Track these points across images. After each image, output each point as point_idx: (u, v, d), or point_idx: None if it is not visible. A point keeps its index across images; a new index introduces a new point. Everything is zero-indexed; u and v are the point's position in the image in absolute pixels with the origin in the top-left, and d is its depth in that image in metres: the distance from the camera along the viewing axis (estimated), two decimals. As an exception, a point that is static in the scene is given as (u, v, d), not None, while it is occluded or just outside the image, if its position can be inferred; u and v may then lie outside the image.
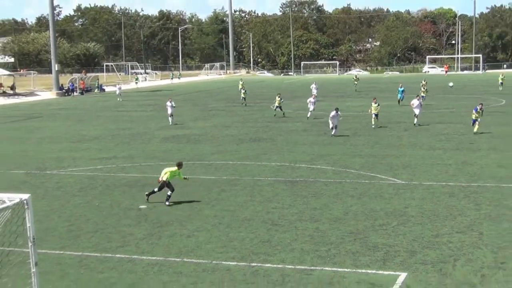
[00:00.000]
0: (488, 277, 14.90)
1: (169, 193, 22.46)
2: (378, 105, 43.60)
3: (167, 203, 22.47)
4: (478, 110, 38.36)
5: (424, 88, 63.98)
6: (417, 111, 43.42)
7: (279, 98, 53.96)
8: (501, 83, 79.46)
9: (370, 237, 18.28)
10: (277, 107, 53.97)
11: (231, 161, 31.80)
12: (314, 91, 66.14)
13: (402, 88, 61.03)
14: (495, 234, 18.25)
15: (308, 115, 50.64)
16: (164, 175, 22.42)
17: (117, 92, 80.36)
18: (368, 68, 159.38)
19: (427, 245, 17.40)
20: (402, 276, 15.07)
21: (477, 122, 37.98)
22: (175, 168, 22.72)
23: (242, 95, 66.21)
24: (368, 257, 16.50)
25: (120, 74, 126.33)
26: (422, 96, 57.48)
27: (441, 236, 18.11)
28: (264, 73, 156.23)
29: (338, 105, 44.78)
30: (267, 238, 18.46)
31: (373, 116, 43.39)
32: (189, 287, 14.79)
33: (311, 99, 52.61)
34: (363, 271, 15.54)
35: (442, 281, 14.74)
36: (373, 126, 42.70)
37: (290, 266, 15.95)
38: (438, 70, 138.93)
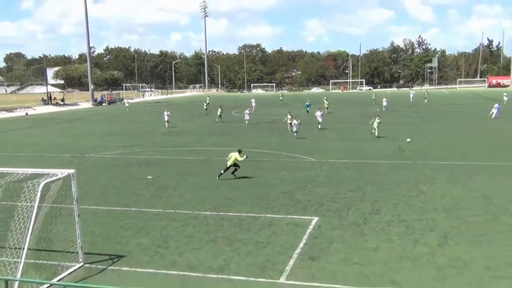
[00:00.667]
0: (369, 219, 15.20)
1: (235, 169, 21.29)
2: (292, 116, 38.70)
3: (235, 175, 21.36)
4: (377, 120, 34.74)
5: (326, 102, 60.11)
6: (320, 119, 40.14)
7: (221, 109, 49.94)
8: (374, 98, 77.66)
9: (295, 195, 18.44)
10: (219, 116, 49.39)
11: (207, 147, 31.67)
12: (253, 104, 64.64)
13: (309, 103, 57.43)
14: (374, 192, 18.59)
15: (246, 122, 46.86)
16: (230, 160, 21.04)
17: (126, 105, 77.89)
18: (293, 88, 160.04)
19: (331, 199, 17.63)
20: (315, 219, 15.28)
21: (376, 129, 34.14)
22: (237, 153, 21.08)
23: (205, 107, 61.54)
24: (294, 208, 16.66)
25: (134, 91, 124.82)
26: (326, 108, 56.54)
27: (340, 194, 18.36)
28: (231, 91, 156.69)
29: (271, 112, 44.99)
30: (230, 196, 18.47)
31: (289, 123, 38.27)
32: (179, 228, 14.75)
33: (247, 111, 48.27)
34: (291, 216, 15.69)
35: (340, 222, 14.98)
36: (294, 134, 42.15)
37: (244, 214, 16.01)
38: (337, 90, 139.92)
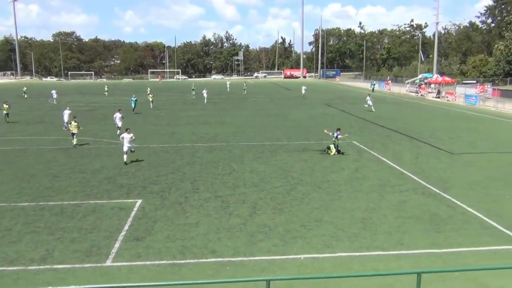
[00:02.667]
0: (189, 197, 15.42)
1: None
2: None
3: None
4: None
5: (151, 95, 49.02)
6: (119, 123, 29.15)
7: (7, 106, 35.58)
8: (194, 88, 69.97)
9: (118, 180, 17.74)
10: (5, 113, 35.29)
11: (22, 136, 28.37)
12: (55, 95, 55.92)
13: (135, 98, 43.33)
14: (192, 173, 18.88)
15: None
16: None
17: None
18: (112, 77, 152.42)
19: (153, 182, 17.41)
20: (139, 201, 14.95)
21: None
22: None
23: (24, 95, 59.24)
24: (117, 192, 16.04)
25: None
26: (151, 101, 47.32)
27: (161, 176, 18.24)
28: (47, 78, 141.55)
29: (95, 100, 41.59)
30: (50, 185, 16.90)
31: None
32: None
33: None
34: (115, 201, 15.07)
35: (163, 202, 14.91)
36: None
37: (66, 202, 14.85)
38: (155, 79, 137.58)
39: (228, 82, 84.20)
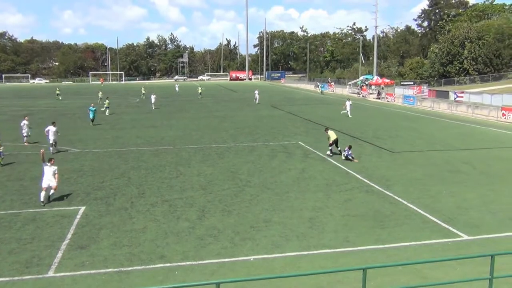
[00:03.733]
0: (135, 202, 15.06)
1: None
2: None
3: None
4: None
5: (107, 101, 44.40)
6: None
7: None
8: (144, 92, 65.19)
9: (59, 186, 16.96)
10: None
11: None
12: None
13: (94, 108, 35.63)
14: (138, 177, 18.47)
15: None
16: None
17: None
18: (51, 79, 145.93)
19: (97, 188, 16.86)
20: (82, 208, 14.42)
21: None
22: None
23: None
24: (58, 199, 15.36)
25: None
26: (107, 108, 43.04)
27: (106, 182, 17.65)
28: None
29: (32, 103, 39.70)
30: (-16, 195, 15.94)
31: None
32: None
33: None
34: (56, 208, 14.44)
35: (107, 208, 14.46)
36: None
37: (3, 212, 14.06)
38: (97, 82, 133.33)
39: (177, 85, 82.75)
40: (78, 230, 12.53)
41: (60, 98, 62.07)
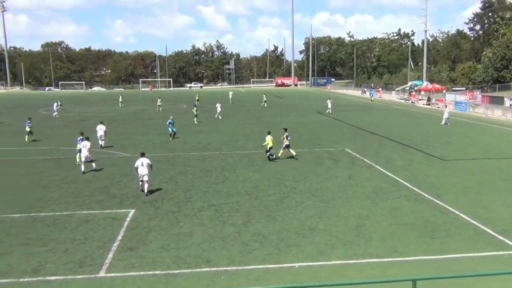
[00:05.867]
0: (182, 207, 15.34)
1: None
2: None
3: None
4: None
5: (160, 100, 54.55)
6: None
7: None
8: (197, 100, 62.16)
9: (110, 189, 17.62)
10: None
11: (11, 147, 28.12)
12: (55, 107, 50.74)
13: (172, 121, 31.93)
14: (185, 182, 18.82)
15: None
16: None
17: None
18: (103, 86, 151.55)
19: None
20: (132, 211, 14.84)
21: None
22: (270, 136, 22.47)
23: None
24: (110, 202, 15.92)
25: None
26: (160, 105, 50.81)
27: (154, 186, 18.07)
28: (45, 89, 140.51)
29: (87, 109, 41.16)
30: (41, 196, 16.72)
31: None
32: (-15, 234, 12.83)
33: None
34: (108, 211, 14.96)
35: (156, 212, 14.83)
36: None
37: (59, 213, 14.71)
38: (146, 88, 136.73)
39: (230, 93, 72.08)
40: (127, 233, 12.90)
41: (122, 106, 61.86)
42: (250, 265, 10.75)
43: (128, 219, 14.07)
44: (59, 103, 53.35)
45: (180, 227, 13.34)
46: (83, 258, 11.14)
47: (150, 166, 16.94)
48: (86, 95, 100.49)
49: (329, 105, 49.41)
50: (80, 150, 20.93)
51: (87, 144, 20.67)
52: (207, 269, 10.58)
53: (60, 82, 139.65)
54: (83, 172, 20.30)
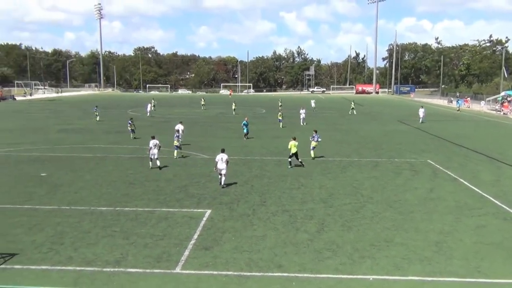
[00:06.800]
0: (257, 210, 15.51)
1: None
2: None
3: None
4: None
5: (234, 104, 58.10)
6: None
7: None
8: (280, 106, 67.65)
9: (189, 189, 18.25)
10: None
11: (102, 145, 30.16)
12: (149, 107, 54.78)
13: (246, 122, 34.37)
14: (261, 186, 19.01)
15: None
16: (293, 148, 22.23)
17: None
18: (188, 89, 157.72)
19: (222, 193, 17.73)
20: (208, 211, 15.25)
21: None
22: (294, 141, 22.47)
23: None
24: (188, 201, 16.49)
25: (26, 89, 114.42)
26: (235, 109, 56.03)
27: (231, 188, 18.52)
28: (128, 90, 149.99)
29: (171, 111, 42.99)
30: (126, 192, 17.76)
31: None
32: (75, 224, 13.86)
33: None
34: (186, 209, 15.50)
35: (231, 213, 15.11)
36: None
37: (140, 209, 15.51)
38: (227, 92, 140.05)
39: (313, 101, 66.19)
40: (203, 232, 13.28)
41: (204, 108, 64.68)
42: (322, 274, 10.60)
43: (204, 218, 14.48)
44: (153, 104, 56.88)
45: (253, 230, 13.49)
46: (161, 254, 11.64)
47: (227, 162, 18.58)
48: (170, 98, 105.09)
49: (421, 114, 47.66)
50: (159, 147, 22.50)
51: (155, 142, 22.27)
52: (279, 274, 10.59)
53: (147, 85, 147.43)
54: (151, 168, 22.05)
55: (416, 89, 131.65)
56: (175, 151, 25.09)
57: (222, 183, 18.53)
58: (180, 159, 24.87)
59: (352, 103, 60.81)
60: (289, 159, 22.91)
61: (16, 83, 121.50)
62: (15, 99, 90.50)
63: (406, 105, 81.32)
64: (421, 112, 48.02)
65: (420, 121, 46.66)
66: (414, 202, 16.68)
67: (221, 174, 18.62)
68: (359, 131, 39.15)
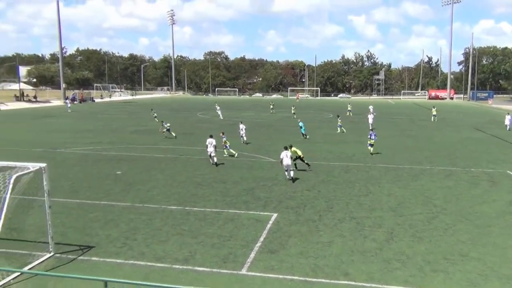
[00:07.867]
0: (323, 216, 15.34)
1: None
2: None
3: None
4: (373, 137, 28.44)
5: (293, 108, 59.14)
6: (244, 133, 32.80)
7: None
8: (350, 109, 62.09)
9: (256, 192, 18.40)
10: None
11: (174, 146, 31.22)
12: (219, 111, 56.29)
13: (302, 124, 36.97)
14: (327, 191, 18.78)
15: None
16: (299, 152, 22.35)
17: (68, 105, 67.91)
18: (253, 94, 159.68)
19: (289, 197, 17.70)
20: (275, 215, 15.29)
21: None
22: (293, 148, 21.99)
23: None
24: (255, 204, 16.63)
25: (104, 91, 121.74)
26: (294, 112, 56.35)
27: (297, 192, 18.46)
28: (198, 94, 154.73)
29: (238, 114, 43.93)
30: (195, 192, 18.25)
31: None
32: (147, 221, 14.46)
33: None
34: (252, 212, 15.65)
35: (297, 218, 15.05)
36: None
37: (208, 209, 15.86)
38: (293, 97, 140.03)
39: (349, 105, 64.97)
40: (269, 235, 13.32)
41: (272, 112, 64.80)
42: (390, 285, 10.26)
43: (270, 222, 14.54)
44: (218, 109, 57.66)
45: (319, 236, 13.34)
46: (228, 254, 11.82)
47: (291, 158, 20.23)
48: (238, 101, 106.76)
49: (508, 122, 44.81)
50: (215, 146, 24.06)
51: (212, 141, 24.07)
52: (345, 282, 10.38)
53: (216, 89, 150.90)
54: (213, 164, 23.71)
55: (494, 95, 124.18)
56: (225, 150, 26.84)
57: (292, 176, 20.23)
58: (246, 160, 25.16)
59: (433, 108, 56.87)
60: (294, 162, 22.33)
61: (95, 86, 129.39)
62: (94, 100, 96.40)
63: (483, 112, 76.91)
64: (507, 119, 45.24)
65: (508, 129, 44.01)
66: (491, 215, 15.71)
67: (287, 170, 20.26)
68: (431, 138, 37.53)
